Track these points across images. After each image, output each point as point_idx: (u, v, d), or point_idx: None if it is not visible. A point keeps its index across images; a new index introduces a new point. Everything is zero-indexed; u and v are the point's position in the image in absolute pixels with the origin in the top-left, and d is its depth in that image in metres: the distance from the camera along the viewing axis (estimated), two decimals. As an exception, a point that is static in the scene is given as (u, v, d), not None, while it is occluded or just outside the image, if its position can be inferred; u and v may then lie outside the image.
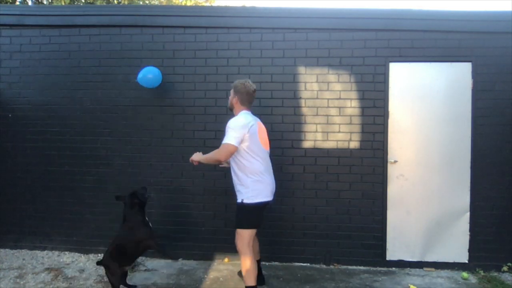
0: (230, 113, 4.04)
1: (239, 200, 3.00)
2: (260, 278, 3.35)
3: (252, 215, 2.97)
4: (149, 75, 3.86)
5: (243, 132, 2.89)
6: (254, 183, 2.95)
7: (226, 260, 4.07)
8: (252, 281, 2.94)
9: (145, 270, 3.83)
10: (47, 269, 3.81)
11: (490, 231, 3.83)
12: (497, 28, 3.85)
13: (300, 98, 4.02)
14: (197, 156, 3.09)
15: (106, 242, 4.16)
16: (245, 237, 2.94)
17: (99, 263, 3.16)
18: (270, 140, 4.00)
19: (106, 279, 3.58)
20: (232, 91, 3.16)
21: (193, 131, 4.12)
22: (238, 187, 3.03)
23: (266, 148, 3.17)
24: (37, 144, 4.30)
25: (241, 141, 2.90)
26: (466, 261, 3.86)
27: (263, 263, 4.01)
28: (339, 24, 3.99)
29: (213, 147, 4.00)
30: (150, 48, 4.18)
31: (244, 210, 2.96)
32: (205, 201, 4.10)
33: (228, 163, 3.18)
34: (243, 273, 2.98)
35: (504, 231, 3.83)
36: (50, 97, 4.30)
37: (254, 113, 3.05)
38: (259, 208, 2.98)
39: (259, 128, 3.11)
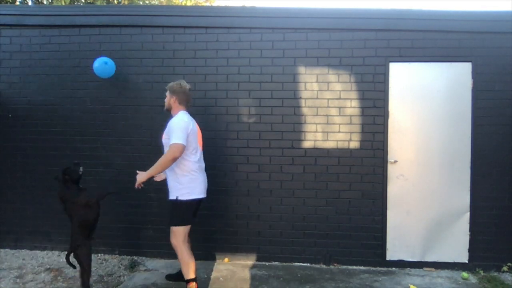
0: (231, 112, 4.08)
1: (173, 197, 3.06)
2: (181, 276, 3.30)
3: (186, 212, 3.06)
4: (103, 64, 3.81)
5: (187, 131, 3.00)
6: (189, 181, 3.04)
7: (226, 260, 4.07)
8: (192, 274, 3.02)
9: (145, 270, 3.83)
10: (47, 269, 3.81)
11: (490, 231, 3.83)
12: (497, 28, 3.85)
13: (300, 98, 4.02)
14: (143, 176, 3.06)
15: (106, 242, 4.17)
16: (179, 234, 3.04)
17: (70, 255, 3.11)
18: (270, 140, 4.04)
19: (106, 279, 3.59)
20: (168, 93, 3.24)
21: (193, 131, 4.12)
22: (172, 183, 3.10)
23: (201, 148, 3.27)
24: (37, 144, 4.30)
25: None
26: (466, 261, 3.86)
27: (263, 263, 4.02)
28: (339, 24, 3.99)
29: (212, 146, 4.04)
30: (150, 48, 4.18)
31: (179, 207, 3.05)
32: (204, 201, 4.09)
33: (165, 173, 3.24)
34: (182, 267, 3.06)
35: (504, 231, 3.82)
36: (50, 97, 4.31)
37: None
38: (193, 204, 3.09)
39: (197, 128, 3.23)
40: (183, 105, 3.23)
